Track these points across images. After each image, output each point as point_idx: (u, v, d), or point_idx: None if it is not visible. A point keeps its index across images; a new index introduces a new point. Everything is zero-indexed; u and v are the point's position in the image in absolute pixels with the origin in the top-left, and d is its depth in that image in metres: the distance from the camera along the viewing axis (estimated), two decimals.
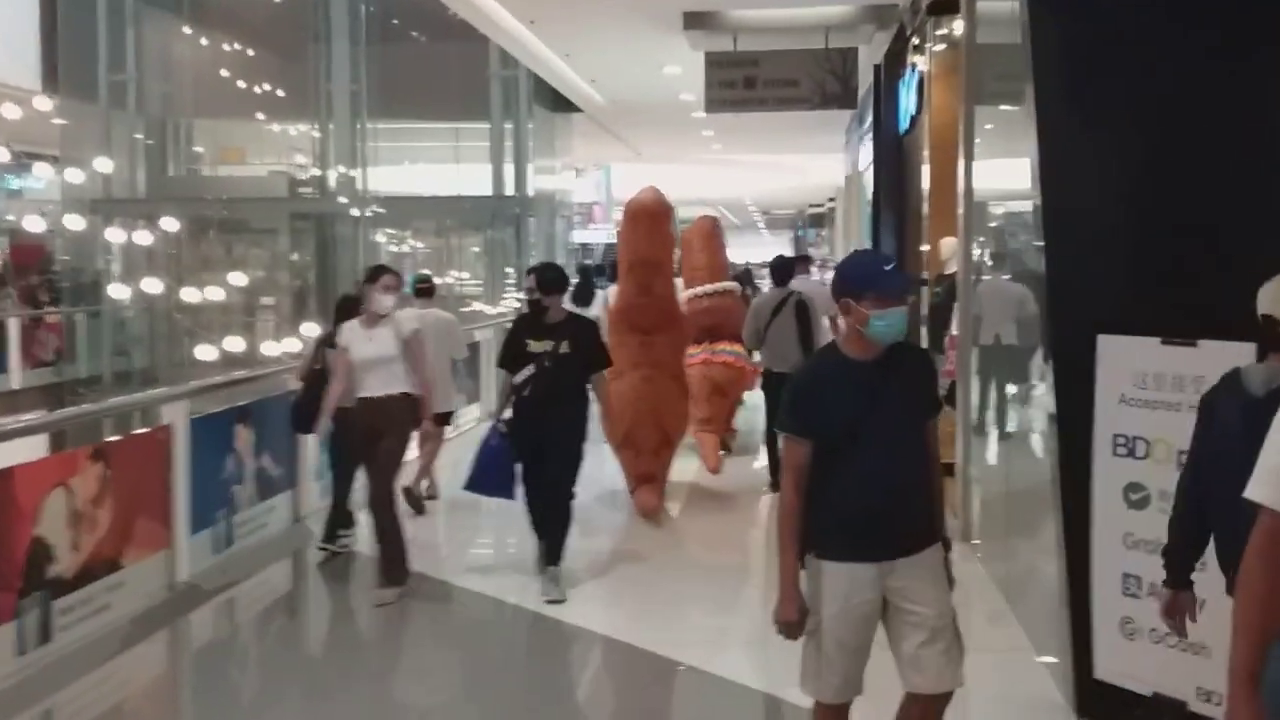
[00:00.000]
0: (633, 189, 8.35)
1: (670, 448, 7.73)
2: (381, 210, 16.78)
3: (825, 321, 8.35)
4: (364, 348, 5.87)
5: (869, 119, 11.43)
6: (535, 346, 5.81)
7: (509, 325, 6.65)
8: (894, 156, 9.80)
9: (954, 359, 6.78)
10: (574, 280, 13.54)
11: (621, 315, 7.84)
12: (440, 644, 5.48)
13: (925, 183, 8.17)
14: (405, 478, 7.71)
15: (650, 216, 7.74)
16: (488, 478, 5.90)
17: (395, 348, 5.83)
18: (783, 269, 8.54)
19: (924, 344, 8.48)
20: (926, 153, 7.99)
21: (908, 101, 8.86)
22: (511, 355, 5.91)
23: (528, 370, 5.79)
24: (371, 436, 5.84)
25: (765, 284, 16.22)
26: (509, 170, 15.52)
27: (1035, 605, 4.76)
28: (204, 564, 6.10)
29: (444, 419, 7.86)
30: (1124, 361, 3.51)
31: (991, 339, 6.15)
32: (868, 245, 13.04)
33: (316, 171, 17.36)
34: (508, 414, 5.93)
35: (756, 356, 8.73)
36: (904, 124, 9.25)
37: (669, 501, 7.98)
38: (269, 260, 17.43)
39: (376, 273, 6.07)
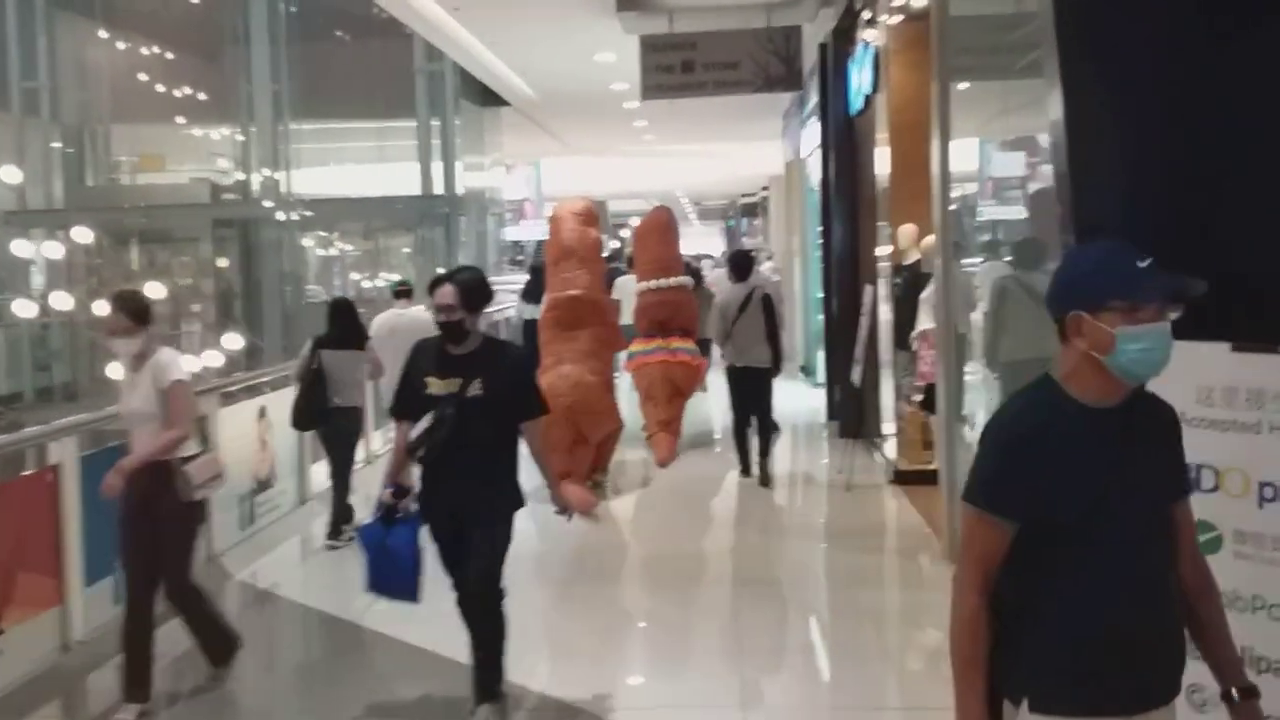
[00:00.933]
0: (563, 184, 9.30)
1: (585, 446, 7.42)
2: (308, 213, 15.81)
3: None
4: (126, 397, 4.36)
5: (813, 101, 10.75)
6: (436, 387, 4.02)
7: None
8: (846, 139, 9.10)
9: (930, 359, 6.09)
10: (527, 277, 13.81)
11: (547, 311, 7.93)
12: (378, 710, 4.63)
13: (884, 166, 7.48)
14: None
15: (575, 215, 7.94)
16: (380, 576, 4.13)
17: (153, 401, 4.25)
18: (744, 264, 8.45)
19: (887, 342, 7.83)
20: (885, 134, 7.30)
21: (860, 80, 8.15)
22: (407, 399, 4.13)
23: (424, 422, 4.00)
24: (140, 516, 4.30)
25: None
26: (437, 168, 14.58)
27: None
28: (103, 619, 5.21)
29: None
30: (1183, 373, 2.77)
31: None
32: (813, 234, 12.40)
33: (240, 176, 16.38)
34: (416, 479, 4.18)
35: (716, 352, 8.74)
36: (856, 104, 8.55)
37: (625, 497, 7.85)
38: (193, 269, 16.46)
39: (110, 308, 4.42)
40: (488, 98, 14.00)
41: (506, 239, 19.14)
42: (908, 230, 7.41)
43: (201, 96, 16.87)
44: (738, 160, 20.95)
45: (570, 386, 7.29)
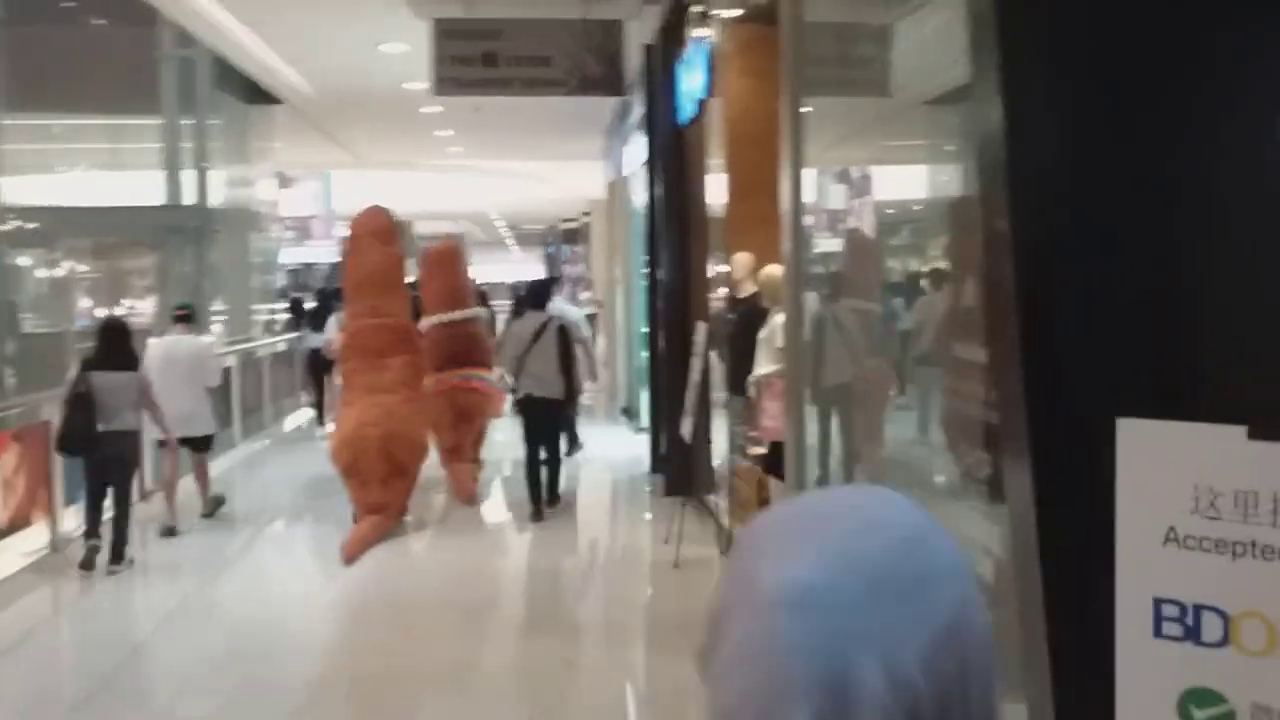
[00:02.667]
0: (356, 200, 8.86)
1: (405, 477, 7.64)
2: (26, 225, 13.81)
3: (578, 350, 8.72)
4: None
5: (637, 112, 10.05)
6: None
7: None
8: (674, 154, 8.44)
9: (774, 412, 5.36)
10: (311, 304, 13.12)
11: (351, 339, 8.06)
12: None
13: (718, 185, 6.78)
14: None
15: (374, 234, 8.04)
16: None
17: None
18: (540, 293, 8.68)
19: (720, 386, 7.12)
20: (723, 152, 6.59)
21: (691, 84, 7.46)
22: None
23: None
24: None
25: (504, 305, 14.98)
26: (189, 176, 12.89)
27: None
28: None
29: (205, 443, 8.23)
30: (1173, 468, 2.04)
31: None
32: (638, 262, 11.71)
33: None
34: None
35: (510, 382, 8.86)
36: (686, 112, 7.86)
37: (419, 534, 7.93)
38: None
39: None
40: (254, 94, 12.57)
41: (284, 262, 17.48)
42: (743, 259, 6.74)
43: None
44: (557, 182, 20.31)
45: (384, 415, 7.51)
